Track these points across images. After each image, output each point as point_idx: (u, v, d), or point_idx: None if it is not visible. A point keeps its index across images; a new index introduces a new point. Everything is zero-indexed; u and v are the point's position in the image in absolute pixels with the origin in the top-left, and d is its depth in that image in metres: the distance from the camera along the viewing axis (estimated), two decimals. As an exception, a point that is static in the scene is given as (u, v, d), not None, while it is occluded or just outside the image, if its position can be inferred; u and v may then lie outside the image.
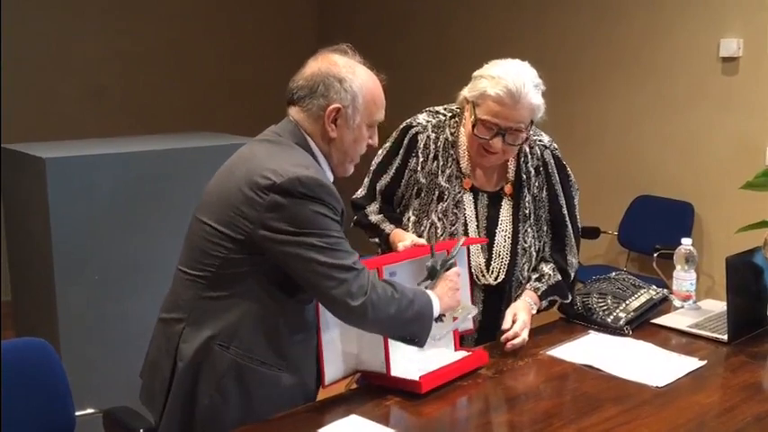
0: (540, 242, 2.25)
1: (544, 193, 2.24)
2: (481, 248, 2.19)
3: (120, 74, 5.38)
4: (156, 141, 3.54)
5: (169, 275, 1.87)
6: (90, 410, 2.16)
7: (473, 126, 2.10)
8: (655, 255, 4.15)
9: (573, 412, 1.74)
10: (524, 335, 2.06)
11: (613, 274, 2.49)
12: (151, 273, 2.99)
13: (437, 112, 2.27)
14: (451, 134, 2.22)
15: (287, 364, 1.78)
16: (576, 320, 2.30)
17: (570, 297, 2.28)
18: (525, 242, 2.20)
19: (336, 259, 1.67)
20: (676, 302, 2.41)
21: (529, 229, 2.21)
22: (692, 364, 1.98)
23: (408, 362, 1.91)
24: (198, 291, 1.77)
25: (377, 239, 2.29)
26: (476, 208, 2.21)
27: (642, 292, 2.36)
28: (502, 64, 2.10)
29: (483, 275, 2.18)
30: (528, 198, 2.21)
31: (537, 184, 2.23)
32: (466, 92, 2.14)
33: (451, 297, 1.91)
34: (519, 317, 2.09)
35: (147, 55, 5.49)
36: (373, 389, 1.85)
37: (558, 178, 2.25)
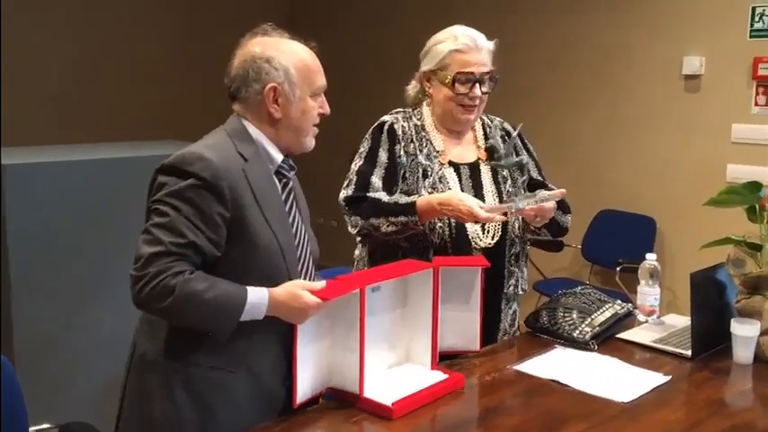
0: None
1: (514, 154, 2.40)
2: None
3: (83, 80, 5.30)
4: (118, 149, 3.47)
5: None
6: (45, 425, 2.10)
7: (452, 84, 2.26)
8: (617, 269, 4.19)
9: (541, 429, 1.73)
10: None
11: (579, 288, 2.49)
12: (111, 284, 2.93)
13: (397, 111, 2.41)
14: (418, 120, 2.37)
15: (238, 366, 1.75)
16: (541, 334, 2.29)
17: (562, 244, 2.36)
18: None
19: (160, 231, 1.66)
20: (640, 317, 2.42)
21: (511, 189, 2.34)
22: (657, 379, 1.98)
23: (382, 381, 1.86)
24: None
25: (393, 220, 2.20)
26: (460, 180, 2.32)
27: (607, 306, 2.36)
28: (447, 29, 2.32)
29: (480, 239, 2.28)
30: (498, 155, 2.35)
31: (505, 146, 2.38)
32: (425, 67, 2.32)
33: (291, 311, 1.71)
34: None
35: (110, 61, 5.42)
36: (345, 404, 1.81)
37: (521, 144, 2.45)
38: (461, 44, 2.27)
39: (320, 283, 1.72)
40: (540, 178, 2.46)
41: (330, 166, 4.48)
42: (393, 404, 1.75)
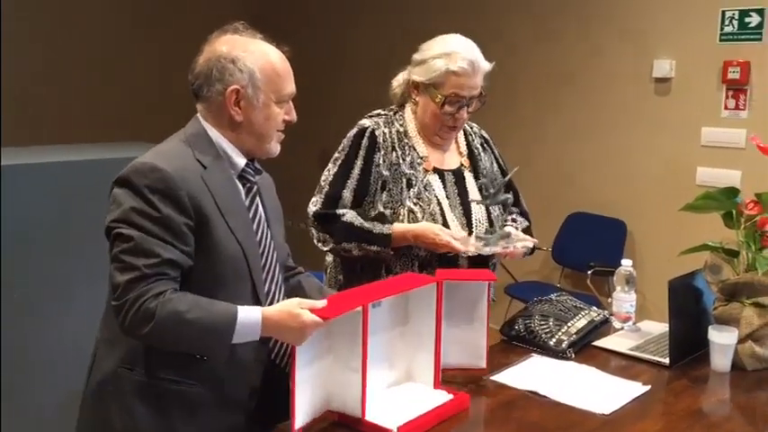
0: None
1: (495, 166, 2.44)
2: (460, 224, 2.27)
3: (46, 81, 5.16)
4: (83, 151, 3.35)
5: (95, 297, 1.75)
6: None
7: (441, 105, 2.21)
8: (589, 272, 4.18)
9: (520, 443, 1.69)
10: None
11: (554, 295, 2.46)
12: (74, 294, 2.84)
13: (378, 114, 2.35)
14: (401, 125, 2.31)
15: (202, 379, 1.68)
16: (517, 343, 2.25)
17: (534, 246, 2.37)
18: (494, 209, 2.34)
19: (130, 257, 1.58)
20: (616, 324, 2.40)
21: (488, 228, 2.31)
22: (636, 389, 1.95)
23: (383, 402, 1.78)
24: (108, 308, 1.68)
25: (365, 247, 2.19)
26: (444, 187, 2.29)
27: (583, 313, 2.34)
28: (447, 39, 2.25)
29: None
30: (483, 171, 2.37)
31: (486, 158, 2.42)
32: (417, 78, 2.25)
33: (289, 331, 1.58)
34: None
35: (76, 62, 5.29)
36: (345, 427, 1.70)
37: (497, 152, 2.48)
38: (459, 68, 2.20)
39: (321, 302, 1.62)
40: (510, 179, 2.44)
41: (299, 167, 4.42)
42: (399, 429, 1.66)
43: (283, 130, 1.80)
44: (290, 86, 1.78)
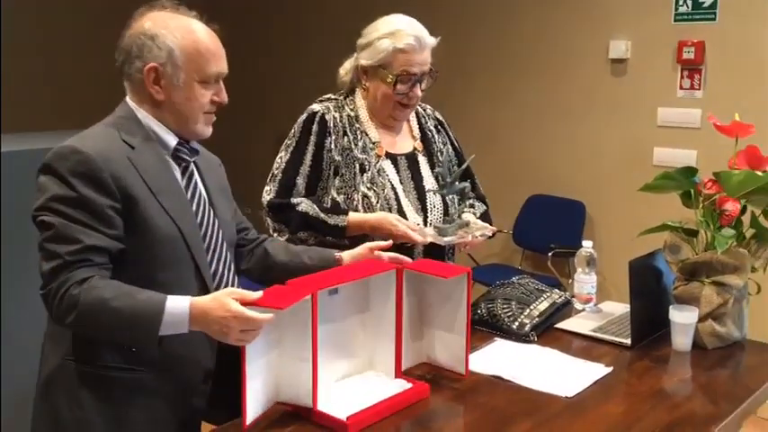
0: None
1: (449, 148, 2.40)
2: (415, 209, 2.23)
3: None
4: (24, 140, 3.24)
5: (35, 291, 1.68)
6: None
7: (394, 84, 2.18)
8: (550, 254, 4.19)
9: (487, 429, 1.67)
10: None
11: (516, 278, 2.45)
12: (14, 289, 2.74)
13: (329, 98, 2.31)
14: (351, 110, 2.27)
15: (150, 365, 1.65)
16: (480, 327, 2.24)
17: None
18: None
19: (53, 244, 1.54)
20: (578, 305, 2.40)
21: (445, 218, 2.26)
22: (599, 371, 1.95)
23: (338, 392, 1.74)
24: None
25: (320, 238, 2.18)
26: (398, 172, 2.26)
27: (545, 296, 2.33)
28: (390, 20, 2.22)
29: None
30: (437, 154, 2.34)
31: (441, 140, 2.38)
32: (364, 62, 2.22)
33: (217, 322, 1.50)
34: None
35: (22, 48, 5.13)
36: (296, 417, 1.66)
37: (452, 134, 2.44)
38: (405, 44, 2.17)
39: (255, 293, 1.55)
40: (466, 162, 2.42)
41: (256, 152, 4.36)
42: (348, 418, 1.63)
43: (214, 111, 1.76)
44: (215, 66, 1.71)
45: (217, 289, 1.72)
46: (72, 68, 5.39)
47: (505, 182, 4.68)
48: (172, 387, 1.68)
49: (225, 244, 1.82)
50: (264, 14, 5.79)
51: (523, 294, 2.32)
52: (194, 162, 1.80)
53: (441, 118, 2.46)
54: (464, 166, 2.33)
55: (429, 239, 2.13)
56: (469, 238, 2.19)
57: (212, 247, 1.76)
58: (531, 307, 2.26)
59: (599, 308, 2.41)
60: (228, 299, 1.51)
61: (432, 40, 2.23)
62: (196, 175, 1.79)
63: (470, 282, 1.87)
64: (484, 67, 4.80)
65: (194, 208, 1.75)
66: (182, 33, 1.67)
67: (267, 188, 2.23)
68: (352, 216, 2.17)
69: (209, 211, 1.79)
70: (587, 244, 2.42)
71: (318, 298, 1.61)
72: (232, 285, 1.80)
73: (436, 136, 2.40)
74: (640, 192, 2.24)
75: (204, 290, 1.70)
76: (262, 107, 5.45)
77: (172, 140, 1.73)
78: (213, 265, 1.76)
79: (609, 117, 4.35)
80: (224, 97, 1.74)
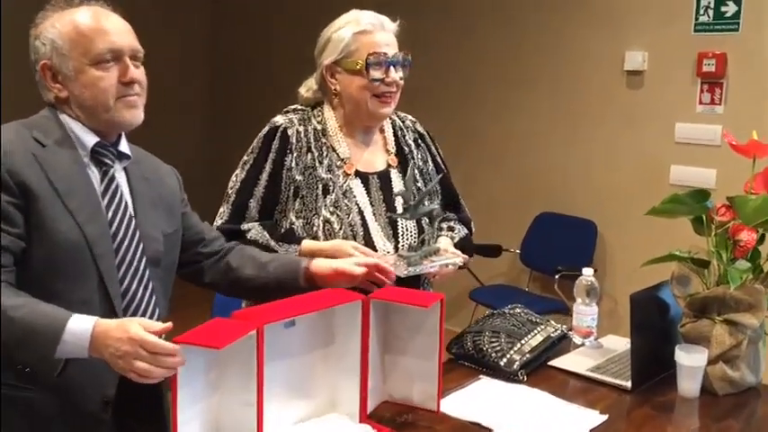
0: None
1: (430, 165, 2.20)
2: (386, 235, 2.01)
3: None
4: None
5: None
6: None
7: (366, 70, 1.99)
8: (556, 276, 3.96)
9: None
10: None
11: (508, 307, 2.23)
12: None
13: (295, 110, 2.11)
14: (318, 123, 2.09)
15: (42, 385, 1.50)
16: (465, 362, 2.03)
17: (472, 254, 2.18)
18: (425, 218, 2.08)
19: None
20: (576, 339, 2.18)
21: (426, 201, 2.03)
22: (592, 419, 1.73)
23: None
24: None
25: None
26: (369, 193, 2.05)
27: (539, 329, 2.11)
28: (341, 17, 2.07)
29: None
30: (415, 170, 2.13)
31: (420, 156, 2.18)
32: (327, 60, 2.04)
33: (115, 343, 1.35)
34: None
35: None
36: None
37: (435, 149, 2.23)
38: (366, 24, 2.02)
39: (163, 324, 1.37)
40: (449, 180, 2.25)
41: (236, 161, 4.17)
42: None
43: (134, 93, 1.62)
44: (102, 43, 1.58)
45: (127, 309, 1.58)
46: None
47: (515, 198, 4.48)
48: (67, 413, 1.53)
49: (145, 260, 1.65)
50: (264, 14, 5.64)
51: (514, 327, 2.10)
52: (125, 168, 1.68)
53: (423, 131, 2.24)
54: (430, 186, 2.10)
55: (397, 271, 1.88)
56: (437, 267, 1.96)
57: (126, 261, 1.61)
58: (523, 341, 2.04)
59: (599, 343, 2.19)
60: (133, 323, 1.36)
61: (392, 25, 2.07)
62: (120, 181, 1.66)
63: (443, 310, 1.67)
64: (494, 79, 4.59)
65: (109, 216, 1.60)
66: (61, 23, 1.59)
67: (221, 210, 2.04)
68: (306, 245, 1.96)
69: (131, 221, 1.64)
70: (587, 272, 2.20)
71: (270, 332, 1.43)
72: (149, 307, 1.64)
73: (415, 151, 2.17)
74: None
75: (109, 306, 1.55)
76: (262, 108, 5.27)
77: (89, 141, 1.61)
78: (126, 282, 1.60)
79: (624, 132, 4.12)
80: (133, 74, 1.61)
